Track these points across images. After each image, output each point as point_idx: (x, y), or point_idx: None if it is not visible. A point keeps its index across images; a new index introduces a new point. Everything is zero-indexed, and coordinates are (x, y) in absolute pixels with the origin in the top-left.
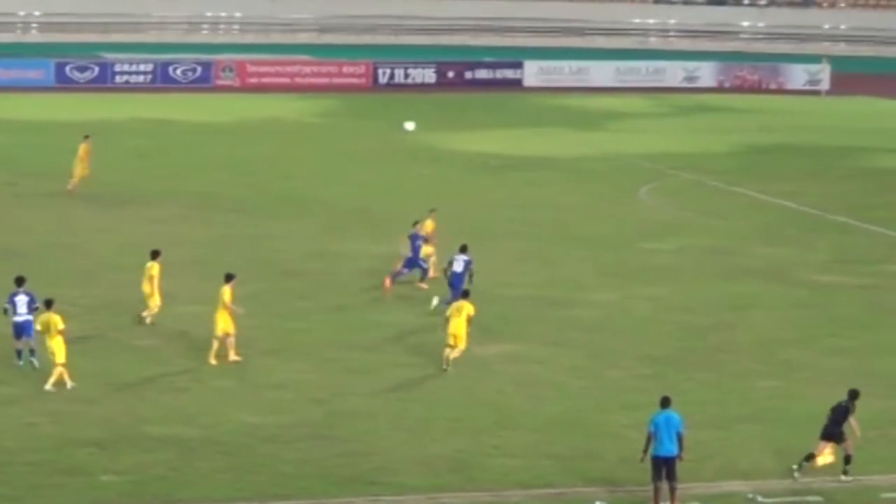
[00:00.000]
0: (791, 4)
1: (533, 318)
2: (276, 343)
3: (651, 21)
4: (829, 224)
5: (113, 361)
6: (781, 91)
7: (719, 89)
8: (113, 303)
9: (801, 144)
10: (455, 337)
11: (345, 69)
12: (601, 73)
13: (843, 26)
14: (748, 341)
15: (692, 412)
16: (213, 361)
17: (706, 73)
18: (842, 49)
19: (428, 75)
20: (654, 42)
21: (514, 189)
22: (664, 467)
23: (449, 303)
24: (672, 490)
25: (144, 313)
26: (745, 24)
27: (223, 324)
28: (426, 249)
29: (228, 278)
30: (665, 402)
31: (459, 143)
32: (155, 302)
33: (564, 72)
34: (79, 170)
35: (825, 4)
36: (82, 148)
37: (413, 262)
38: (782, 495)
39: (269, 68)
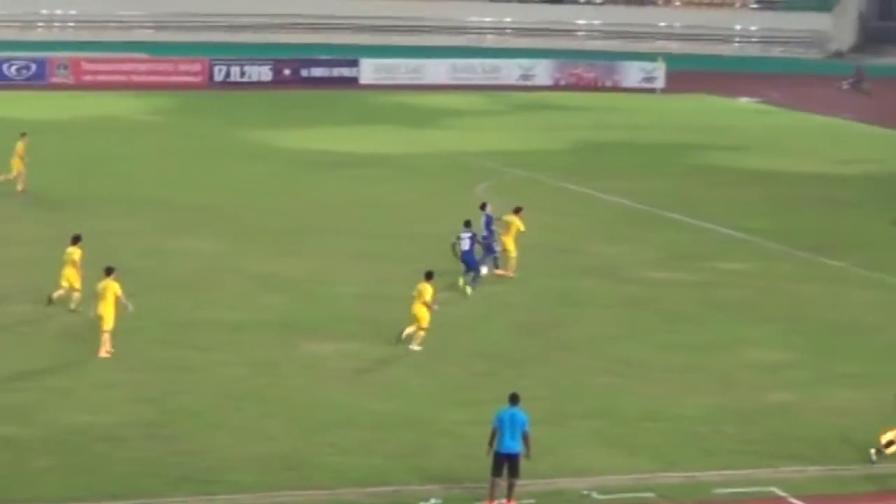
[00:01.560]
0: (627, 3)
1: (367, 316)
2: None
3: (487, 19)
4: (662, 221)
5: None
6: (617, 89)
7: (555, 87)
8: None
9: (636, 142)
10: (415, 318)
11: (180, 67)
12: (437, 71)
13: (677, 24)
14: (582, 338)
15: (527, 409)
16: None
17: (542, 71)
18: (676, 47)
19: (264, 73)
20: (490, 40)
21: (347, 187)
22: (506, 464)
23: (473, 280)
24: (510, 486)
25: (56, 294)
26: (581, 22)
27: (109, 316)
28: (506, 241)
29: (109, 271)
30: (513, 399)
31: (294, 141)
32: (78, 287)
33: (400, 70)
34: (18, 167)
35: (660, 3)
36: (20, 146)
37: (488, 248)
38: (616, 491)
39: (105, 66)
